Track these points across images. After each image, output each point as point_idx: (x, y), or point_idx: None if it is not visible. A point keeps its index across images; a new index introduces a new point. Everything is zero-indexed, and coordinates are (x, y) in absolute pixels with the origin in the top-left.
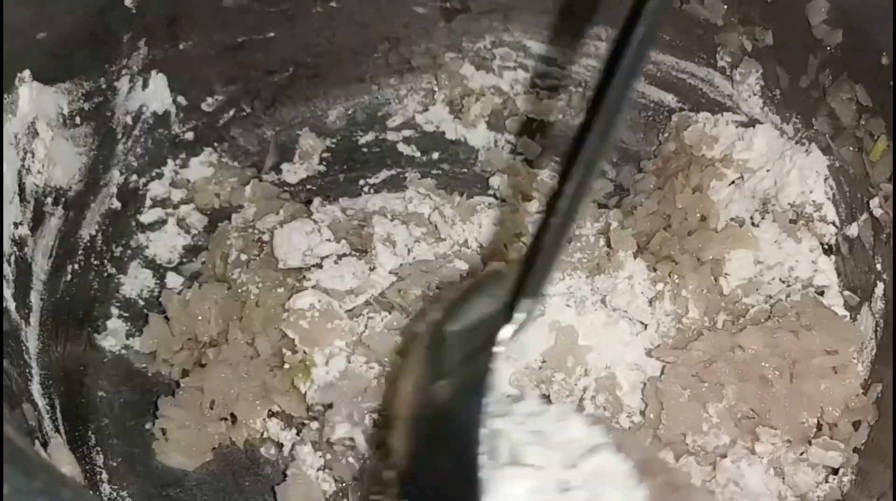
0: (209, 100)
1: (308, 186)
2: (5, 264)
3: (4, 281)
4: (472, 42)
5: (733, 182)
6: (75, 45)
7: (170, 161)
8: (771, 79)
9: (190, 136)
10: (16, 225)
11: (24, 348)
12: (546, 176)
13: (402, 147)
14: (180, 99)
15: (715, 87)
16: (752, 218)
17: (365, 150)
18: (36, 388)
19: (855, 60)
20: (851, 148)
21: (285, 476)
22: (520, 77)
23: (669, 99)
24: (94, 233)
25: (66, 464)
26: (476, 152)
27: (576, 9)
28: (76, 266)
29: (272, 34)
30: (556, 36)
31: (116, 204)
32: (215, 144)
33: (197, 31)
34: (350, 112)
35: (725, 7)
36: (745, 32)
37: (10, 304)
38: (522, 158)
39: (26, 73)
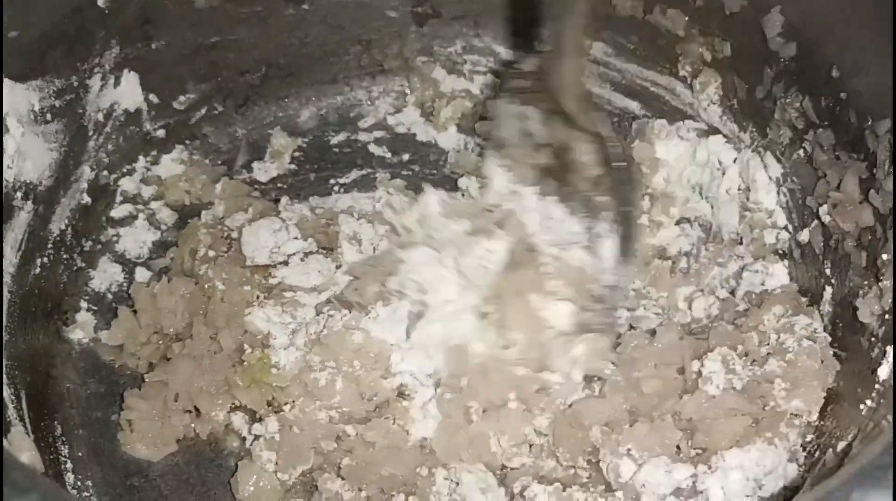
0: (181, 98)
1: (279, 185)
2: None
3: None
4: (443, 47)
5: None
6: (48, 43)
7: (141, 158)
8: (729, 89)
9: (161, 133)
10: None
11: None
12: None
13: (373, 148)
14: (152, 97)
15: (676, 95)
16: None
17: (336, 150)
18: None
19: (807, 73)
20: (803, 157)
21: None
22: (489, 81)
23: (634, 106)
24: (63, 227)
25: (27, 451)
26: (446, 154)
27: (543, 17)
28: (45, 260)
29: (245, 35)
30: (524, 42)
31: (87, 199)
32: (187, 142)
33: (170, 31)
34: (322, 112)
35: (686, 18)
36: (705, 43)
37: None
38: None
39: None
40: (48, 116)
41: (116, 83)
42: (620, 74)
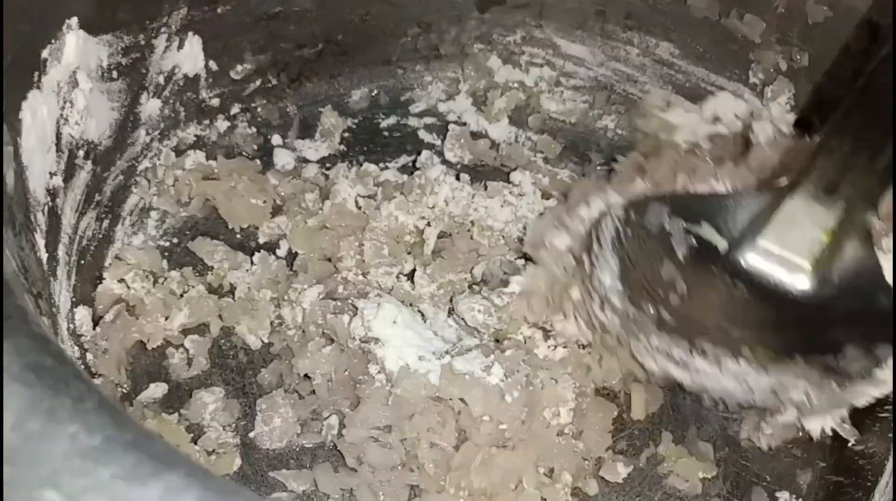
0: (238, 67)
1: (327, 165)
2: (39, 215)
3: (38, 231)
4: (502, 35)
5: None
6: None
7: (193, 125)
8: (802, 99)
9: (216, 102)
10: (51, 175)
11: (53, 305)
12: (565, 176)
13: (422, 134)
14: (212, 64)
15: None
16: None
17: (386, 133)
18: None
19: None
20: None
21: None
22: (545, 75)
23: None
24: (114, 190)
25: None
26: (497, 146)
27: (609, 11)
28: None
29: (307, 6)
30: (587, 36)
31: (144, 163)
32: (237, 113)
33: None
34: (374, 94)
35: (764, 25)
36: (782, 52)
37: (42, 254)
38: (543, 156)
39: (74, 20)
40: (114, 74)
41: (180, 46)
42: (685, 77)
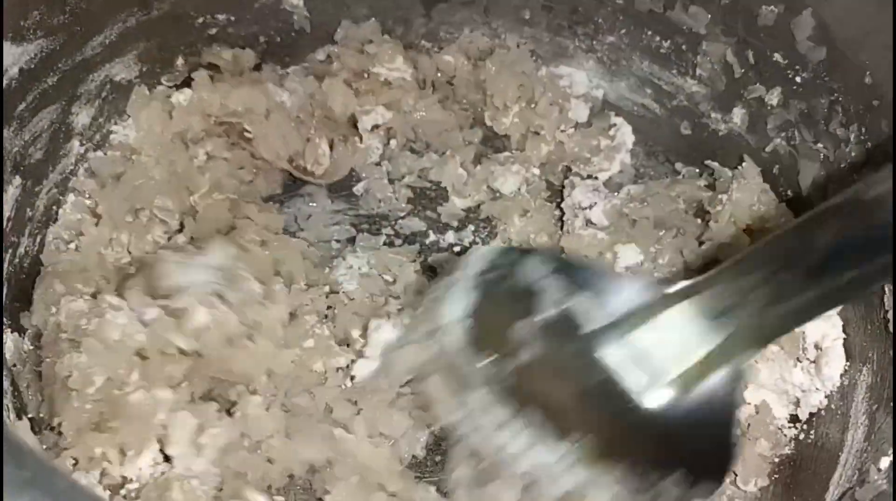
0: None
1: None
2: None
3: None
4: (449, 33)
5: None
6: None
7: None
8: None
9: None
10: None
11: None
12: None
13: None
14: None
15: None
16: None
17: None
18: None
19: (837, 78)
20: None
21: None
22: None
23: None
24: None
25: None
26: None
27: (556, 6)
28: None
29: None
30: (534, 32)
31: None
32: None
33: None
34: None
35: (709, 17)
36: (728, 43)
37: None
38: None
39: None
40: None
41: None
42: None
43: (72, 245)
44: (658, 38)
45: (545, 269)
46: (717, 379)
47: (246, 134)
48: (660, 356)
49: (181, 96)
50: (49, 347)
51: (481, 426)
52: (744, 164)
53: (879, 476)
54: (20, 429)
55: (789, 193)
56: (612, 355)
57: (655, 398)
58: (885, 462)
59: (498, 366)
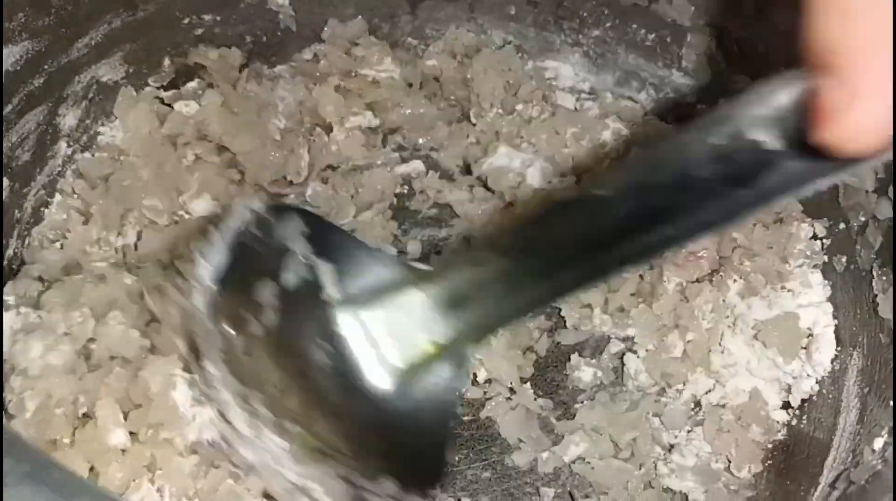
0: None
1: None
2: None
3: None
4: (435, 30)
5: None
6: None
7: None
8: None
9: None
10: None
11: None
12: None
13: None
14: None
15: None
16: None
17: None
18: None
19: None
20: None
21: None
22: None
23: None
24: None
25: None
26: None
27: (541, 1)
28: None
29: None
30: (520, 28)
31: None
32: None
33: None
34: None
35: (693, 8)
36: (712, 34)
37: None
38: None
39: None
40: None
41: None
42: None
43: (56, 244)
44: (643, 31)
45: (298, 230)
46: (442, 374)
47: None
48: (396, 340)
49: (185, 108)
50: None
51: (220, 401)
52: None
53: (874, 456)
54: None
55: None
56: (346, 331)
57: (381, 384)
58: (879, 443)
59: (234, 335)
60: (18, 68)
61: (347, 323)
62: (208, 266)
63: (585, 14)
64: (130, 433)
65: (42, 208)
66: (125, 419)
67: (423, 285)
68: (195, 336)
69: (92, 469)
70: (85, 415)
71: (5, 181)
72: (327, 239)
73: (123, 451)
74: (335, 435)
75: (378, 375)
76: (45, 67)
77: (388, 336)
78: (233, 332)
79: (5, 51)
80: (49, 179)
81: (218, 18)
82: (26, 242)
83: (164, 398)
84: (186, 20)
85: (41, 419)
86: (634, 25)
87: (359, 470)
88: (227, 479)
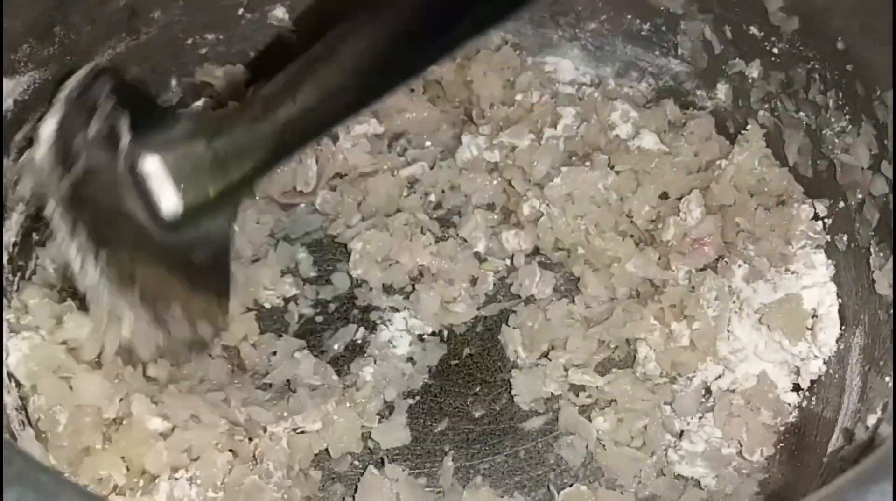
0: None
1: None
2: None
3: None
4: None
5: None
6: None
7: None
8: None
9: None
10: None
11: None
12: None
13: None
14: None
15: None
16: None
17: None
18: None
19: (811, 46)
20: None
21: None
22: None
23: None
24: None
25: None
26: None
27: None
28: None
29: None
30: (516, 26)
31: None
32: None
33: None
34: None
35: None
36: (705, 20)
37: None
38: None
39: None
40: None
41: None
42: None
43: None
44: (638, 21)
45: (107, 86)
46: (219, 211)
47: None
48: (175, 183)
49: None
50: None
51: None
52: (748, 127)
53: (866, 433)
54: (25, 439)
55: (778, 162)
56: (141, 172)
57: (168, 220)
58: (873, 419)
59: (64, 178)
60: (26, 97)
61: (142, 165)
62: (51, 124)
63: (580, 8)
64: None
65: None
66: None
67: (208, 137)
68: (44, 188)
69: (128, 469)
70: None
71: (21, 206)
72: (128, 96)
73: (164, 435)
74: (139, 264)
75: (166, 212)
76: (53, 95)
77: (174, 179)
78: (64, 177)
79: (12, 82)
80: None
81: (220, 37)
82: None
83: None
84: (189, 40)
85: (72, 430)
86: (629, 16)
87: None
88: (250, 475)
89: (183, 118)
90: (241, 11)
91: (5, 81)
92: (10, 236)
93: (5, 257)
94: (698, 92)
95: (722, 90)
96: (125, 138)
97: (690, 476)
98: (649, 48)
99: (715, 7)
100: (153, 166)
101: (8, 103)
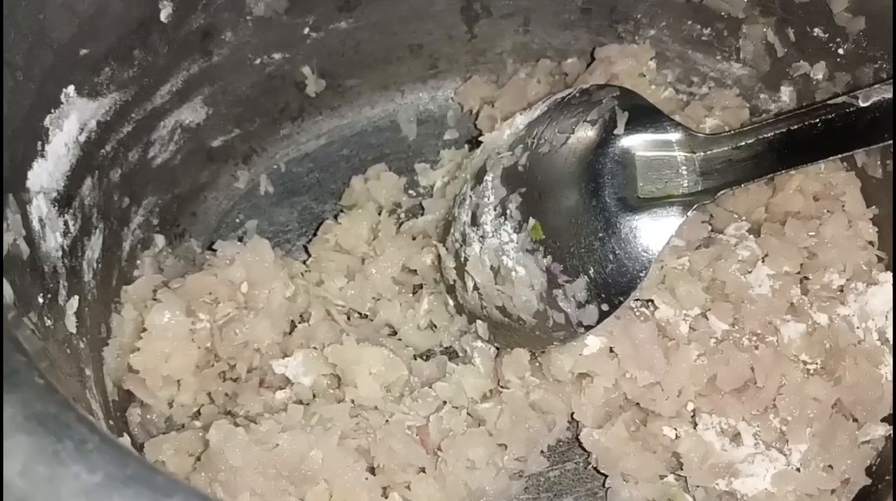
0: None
1: None
2: (57, 277)
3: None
4: (492, 45)
5: None
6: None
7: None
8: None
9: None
10: (65, 235)
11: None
12: None
13: None
14: (210, 110)
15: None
16: None
17: None
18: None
19: (878, 46)
20: None
21: None
22: None
23: None
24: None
25: None
26: None
27: (594, 8)
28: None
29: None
30: (575, 36)
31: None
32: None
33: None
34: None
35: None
36: (767, 24)
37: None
38: None
39: (71, 88)
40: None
41: (181, 99)
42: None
43: None
44: (699, 27)
45: (614, 92)
46: (665, 214)
47: None
48: (644, 175)
49: None
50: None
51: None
52: None
53: None
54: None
55: (845, 164)
56: (617, 158)
57: (619, 203)
58: None
59: (521, 152)
60: (109, 118)
61: (620, 151)
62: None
63: (640, 16)
64: None
65: (138, 246)
66: None
67: (694, 149)
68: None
69: None
70: None
71: (102, 224)
72: (632, 105)
73: None
74: (561, 232)
75: (621, 195)
76: (133, 115)
77: (645, 171)
78: (521, 151)
79: (95, 104)
80: (144, 219)
81: (287, 55)
82: (123, 272)
83: None
84: (258, 61)
85: None
86: (690, 22)
87: (564, 265)
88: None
89: (672, 124)
90: (306, 31)
91: (88, 103)
92: None
93: None
94: (762, 95)
95: (786, 93)
96: (620, 129)
97: None
98: (710, 53)
99: (777, 10)
100: (632, 156)
101: (91, 124)
